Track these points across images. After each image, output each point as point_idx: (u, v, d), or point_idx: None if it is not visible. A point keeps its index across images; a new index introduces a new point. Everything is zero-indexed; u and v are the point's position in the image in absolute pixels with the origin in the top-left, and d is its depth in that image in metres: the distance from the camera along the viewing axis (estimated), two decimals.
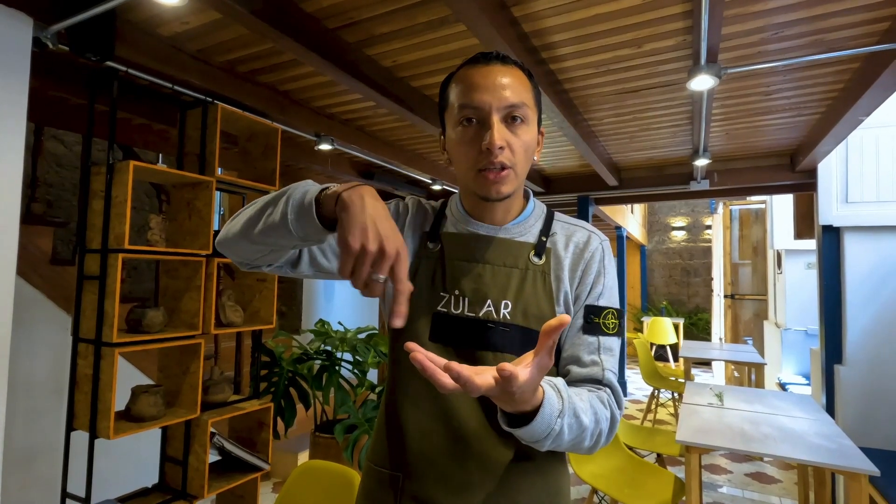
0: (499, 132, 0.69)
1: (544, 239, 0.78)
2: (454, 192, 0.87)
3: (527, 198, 0.83)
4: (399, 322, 0.55)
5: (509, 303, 0.74)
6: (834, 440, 1.93)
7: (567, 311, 0.76)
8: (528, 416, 0.57)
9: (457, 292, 0.75)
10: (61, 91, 2.06)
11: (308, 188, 0.64)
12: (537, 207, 0.83)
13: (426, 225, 0.83)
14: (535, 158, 0.78)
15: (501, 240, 0.78)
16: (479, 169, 0.71)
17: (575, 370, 0.73)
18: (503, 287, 0.75)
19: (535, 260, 0.77)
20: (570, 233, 0.80)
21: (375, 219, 0.56)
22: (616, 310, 0.77)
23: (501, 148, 0.70)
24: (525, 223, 0.80)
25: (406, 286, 0.56)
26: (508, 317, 0.73)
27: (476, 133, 0.71)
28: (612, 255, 0.82)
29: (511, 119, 0.71)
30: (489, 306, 0.74)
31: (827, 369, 2.92)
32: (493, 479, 0.72)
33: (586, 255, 0.78)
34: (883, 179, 2.77)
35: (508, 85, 0.71)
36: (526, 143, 0.73)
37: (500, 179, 0.71)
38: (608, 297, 0.77)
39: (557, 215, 0.84)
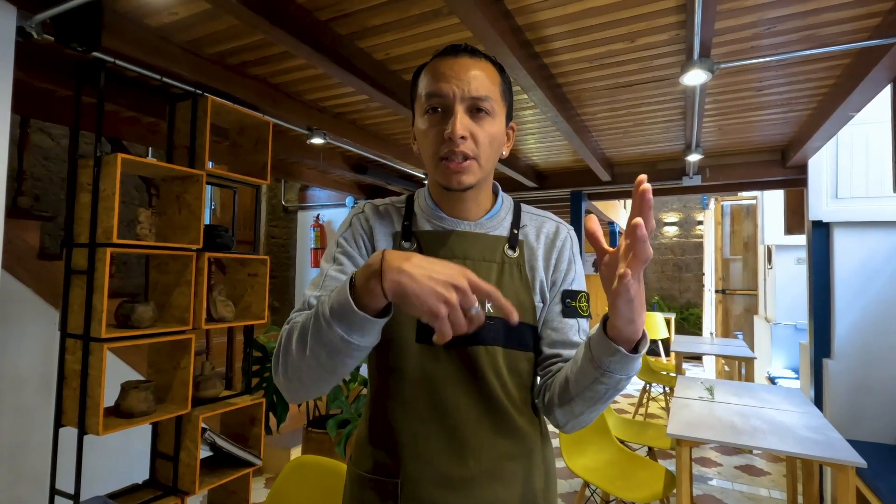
0: (461, 121, 0.70)
1: (516, 231, 0.81)
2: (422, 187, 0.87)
3: (496, 192, 0.84)
4: (515, 317, 0.56)
5: None
6: (822, 433, 1.95)
7: (543, 299, 0.78)
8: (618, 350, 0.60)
9: None
10: (47, 82, 2.02)
11: (326, 303, 0.59)
12: (506, 201, 0.85)
13: (396, 224, 0.81)
14: (504, 153, 0.80)
15: (478, 235, 0.79)
16: (441, 157, 0.72)
17: (566, 353, 0.75)
18: (484, 281, 0.75)
19: (510, 253, 0.78)
20: (540, 224, 0.83)
21: (429, 273, 0.54)
22: (587, 293, 0.81)
23: (463, 137, 0.70)
24: (497, 217, 0.82)
25: (493, 290, 0.56)
26: (491, 310, 0.74)
27: (440, 121, 0.72)
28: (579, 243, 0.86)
29: (476, 111, 0.72)
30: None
31: (816, 363, 2.95)
32: (491, 471, 0.72)
33: (558, 244, 0.81)
34: (872, 175, 2.80)
35: (474, 77, 0.71)
36: (491, 134, 0.73)
37: (462, 170, 0.72)
38: (580, 282, 0.81)
39: (525, 207, 0.86)
